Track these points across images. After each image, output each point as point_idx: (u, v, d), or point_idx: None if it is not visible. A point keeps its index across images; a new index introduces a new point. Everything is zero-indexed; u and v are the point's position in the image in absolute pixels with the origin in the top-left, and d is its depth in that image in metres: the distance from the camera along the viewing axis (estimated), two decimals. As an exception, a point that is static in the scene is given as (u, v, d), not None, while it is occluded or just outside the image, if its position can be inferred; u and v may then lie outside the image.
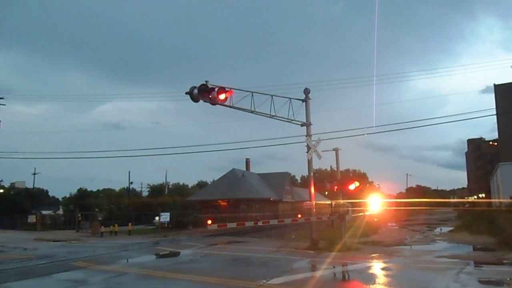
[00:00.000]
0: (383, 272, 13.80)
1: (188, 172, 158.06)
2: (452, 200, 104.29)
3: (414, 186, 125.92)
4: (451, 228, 35.14)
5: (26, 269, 15.91)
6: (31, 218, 52.00)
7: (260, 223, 24.27)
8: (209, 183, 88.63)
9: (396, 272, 13.96)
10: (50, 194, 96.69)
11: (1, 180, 75.05)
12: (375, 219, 46.61)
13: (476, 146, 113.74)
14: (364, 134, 27.15)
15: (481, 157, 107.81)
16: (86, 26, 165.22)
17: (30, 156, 70.16)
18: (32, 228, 48.09)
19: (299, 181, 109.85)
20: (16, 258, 19.11)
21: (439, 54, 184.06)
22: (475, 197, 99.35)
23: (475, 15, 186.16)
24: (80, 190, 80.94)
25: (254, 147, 68.99)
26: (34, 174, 71.36)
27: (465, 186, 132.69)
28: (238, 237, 32.94)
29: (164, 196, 76.79)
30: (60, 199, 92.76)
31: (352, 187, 22.16)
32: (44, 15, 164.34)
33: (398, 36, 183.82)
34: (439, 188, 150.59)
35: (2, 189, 73.51)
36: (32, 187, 74.87)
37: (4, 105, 48.56)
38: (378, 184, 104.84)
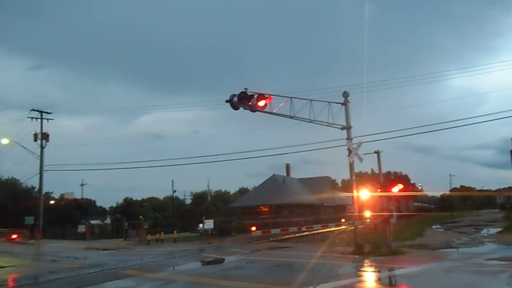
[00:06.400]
0: (431, 276, 13.57)
1: (229, 179, 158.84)
2: (498, 193, 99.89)
3: (458, 187, 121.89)
4: (499, 229, 34.00)
5: (78, 278, 16.41)
6: (81, 228, 53.64)
7: (303, 228, 24.26)
8: (250, 189, 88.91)
9: (444, 276, 13.69)
10: (98, 204, 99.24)
11: (52, 192, 77.24)
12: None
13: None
14: (404, 136, 26.68)
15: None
16: (125, 40, 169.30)
17: (77, 168, 72.22)
18: (81, 237, 49.58)
19: (339, 184, 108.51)
20: (68, 267, 19.76)
21: (476, 51, 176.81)
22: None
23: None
24: (126, 199, 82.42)
25: (294, 152, 68.27)
26: (82, 185, 73.87)
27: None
28: (281, 242, 32.85)
29: (207, 203, 77.57)
30: (107, 208, 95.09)
31: (395, 189, 21.82)
32: (85, 30, 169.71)
33: (434, 34, 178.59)
34: (484, 188, 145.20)
35: (53, 200, 75.95)
36: (80, 197, 77.17)
37: (53, 119, 50.85)
38: (420, 186, 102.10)
